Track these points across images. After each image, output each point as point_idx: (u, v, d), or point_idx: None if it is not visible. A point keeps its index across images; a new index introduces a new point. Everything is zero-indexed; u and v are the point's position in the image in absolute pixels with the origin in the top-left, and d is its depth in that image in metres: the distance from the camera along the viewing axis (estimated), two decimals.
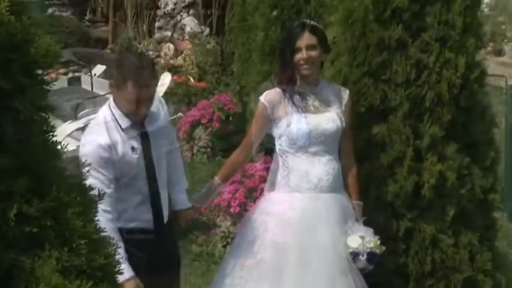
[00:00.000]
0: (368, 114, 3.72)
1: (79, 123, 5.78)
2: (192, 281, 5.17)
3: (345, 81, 3.77)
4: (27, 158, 1.54)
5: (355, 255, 3.29)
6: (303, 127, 3.38)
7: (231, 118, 8.26)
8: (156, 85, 3.25)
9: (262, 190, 5.35)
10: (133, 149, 3.19)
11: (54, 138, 1.66)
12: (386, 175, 3.70)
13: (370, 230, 3.36)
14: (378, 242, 3.32)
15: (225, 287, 3.43)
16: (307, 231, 3.38)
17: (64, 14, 15.31)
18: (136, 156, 3.20)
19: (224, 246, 5.56)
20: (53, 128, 1.63)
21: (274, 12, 6.50)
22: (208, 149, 8.23)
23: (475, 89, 3.83)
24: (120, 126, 3.18)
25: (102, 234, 2.43)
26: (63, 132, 5.71)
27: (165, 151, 3.39)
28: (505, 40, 14.21)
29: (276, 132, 3.48)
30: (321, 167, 3.42)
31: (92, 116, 5.76)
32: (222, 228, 5.57)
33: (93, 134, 3.18)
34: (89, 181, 2.91)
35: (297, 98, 3.44)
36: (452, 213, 3.71)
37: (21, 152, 1.54)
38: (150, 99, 3.18)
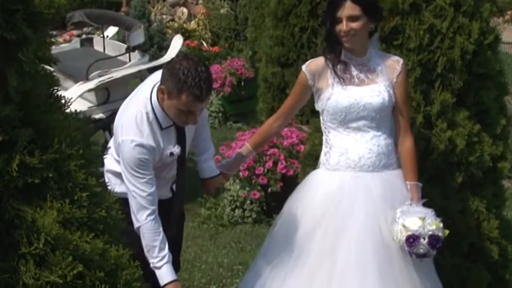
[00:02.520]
0: None
1: (90, 85, 5.78)
2: (201, 243, 5.23)
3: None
4: (31, 109, 1.55)
5: (415, 238, 3.01)
6: (343, 101, 3.16)
7: (243, 83, 8.25)
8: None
9: (271, 156, 5.40)
10: (171, 154, 3.12)
11: (59, 92, 1.66)
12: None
13: (431, 211, 3.13)
14: (440, 224, 3.09)
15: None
16: (337, 214, 3.18)
17: None
18: (173, 158, 3.14)
19: (233, 210, 5.61)
20: (57, 82, 1.62)
21: None
22: (220, 114, 8.24)
23: (488, 55, 3.79)
24: (160, 125, 3.06)
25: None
26: (74, 93, 5.71)
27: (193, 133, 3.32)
28: None
29: (318, 105, 3.28)
30: (362, 144, 3.19)
31: (102, 78, 5.78)
32: (230, 192, 5.59)
33: (135, 131, 3.00)
34: (132, 181, 2.97)
35: (341, 68, 3.20)
36: (460, 180, 3.71)
37: (25, 104, 1.54)
38: (202, 109, 3.05)
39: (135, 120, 3.01)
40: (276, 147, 5.43)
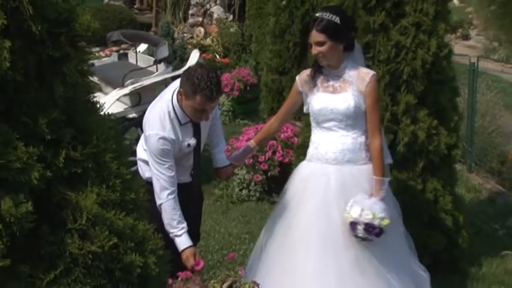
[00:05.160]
0: None
1: (126, 90, 5.76)
2: (215, 217, 5.20)
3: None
4: (73, 113, 1.53)
5: (354, 224, 2.92)
6: (316, 105, 3.07)
7: (248, 88, 8.20)
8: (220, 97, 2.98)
9: (270, 146, 5.38)
10: (188, 145, 3.07)
11: (95, 99, 1.65)
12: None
13: (379, 205, 2.95)
14: (380, 215, 2.91)
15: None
16: (301, 195, 3.13)
17: (117, 3, 15.18)
18: (190, 149, 3.10)
19: (240, 190, 5.58)
20: (93, 90, 1.61)
21: (284, 2, 6.39)
22: (230, 113, 8.20)
23: (444, 65, 3.79)
24: (179, 121, 3.00)
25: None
26: (113, 97, 5.70)
27: (208, 129, 3.25)
28: (471, 27, 13.99)
29: (305, 108, 3.19)
30: (331, 141, 3.08)
31: (135, 85, 5.76)
32: (238, 175, 5.57)
33: (159, 126, 2.96)
34: (156, 167, 2.94)
35: (320, 78, 3.09)
36: (421, 165, 3.70)
37: (68, 108, 1.53)
38: (213, 108, 3.01)
39: (159, 118, 2.98)
40: (274, 139, 5.40)
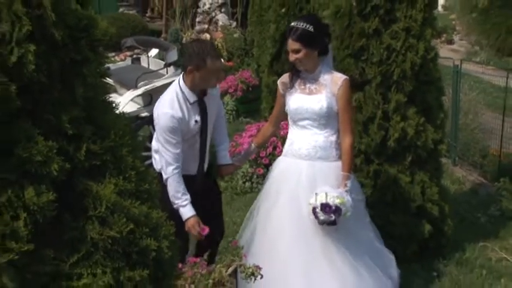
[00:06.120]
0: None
1: (138, 91, 5.78)
2: None
3: (333, 60, 3.71)
4: (92, 110, 1.54)
5: (314, 210, 2.89)
6: (293, 105, 3.09)
7: (250, 89, 8.21)
8: None
9: (271, 143, 5.38)
10: (196, 122, 3.09)
11: (114, 98, 1.65)
12: (361, 130, 3.68)
13: (336, 191, 2.91)
14: (333, 194, 2.87)
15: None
16: (278, 188, 3.14)
17: (130, 11, 15.22)
18: (197, 126, 3.12)
19: (244, 182, 5.59)
20: (110, 90, 1.61)
21: (283, 10, 6.39)
22: (234, 112, 8.21)
23: (431, 67, 3.79)
24: (188, 100, 3.05)
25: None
26: (127, 97, 5.71)
27: (214, 118, 3.28)
28: (455, 32, 13.98)
29: (285, 108, 3.20)
30: (304, 138, 3.08)
31: (147, 86, 5.77)
32: (242, 169, 5.58)
33: (168, 106, 3.01)
34: (163, 144, 2.98)
35: (298, 81, 3.10)
36: (410, 159, 3.71)
37: (88, 106, 1.53)
38: (221, 68, 3.12)
39: (168, 99, 3.06)
40: (275, 136, 5.41)
